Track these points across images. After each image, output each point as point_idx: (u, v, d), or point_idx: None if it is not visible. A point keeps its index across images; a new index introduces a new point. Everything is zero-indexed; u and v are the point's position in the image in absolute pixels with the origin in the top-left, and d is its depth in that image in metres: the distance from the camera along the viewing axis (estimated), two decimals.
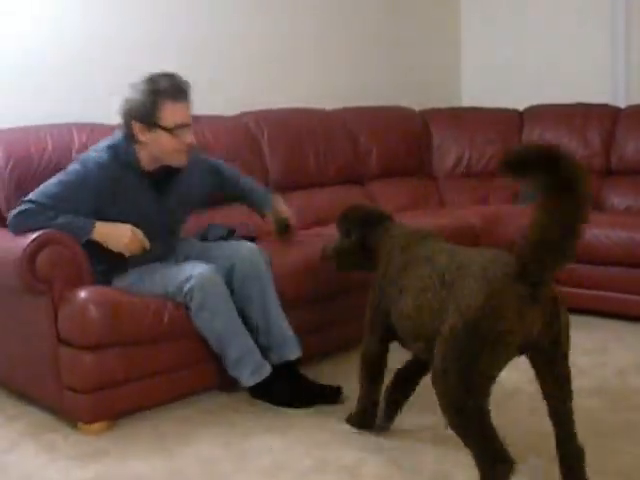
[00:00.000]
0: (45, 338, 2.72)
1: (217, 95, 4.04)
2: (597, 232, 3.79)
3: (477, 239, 3.96)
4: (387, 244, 2.51)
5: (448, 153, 4.74)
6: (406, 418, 2.69)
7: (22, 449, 2.60)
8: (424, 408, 2.76)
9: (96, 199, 2.74)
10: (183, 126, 2.75)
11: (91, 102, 3.52)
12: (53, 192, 2.70)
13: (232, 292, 2.86)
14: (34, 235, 2.66)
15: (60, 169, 2.97)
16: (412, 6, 5.09)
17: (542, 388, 2.17)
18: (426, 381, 2.96)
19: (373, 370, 2.57)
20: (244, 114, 4.02)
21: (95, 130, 3.29)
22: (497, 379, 2.03)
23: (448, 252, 2.24)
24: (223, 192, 3.23)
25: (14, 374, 2.98)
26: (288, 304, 2.98)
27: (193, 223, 3.23)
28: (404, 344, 2.44)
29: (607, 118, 4.49)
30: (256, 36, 4.27)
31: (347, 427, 2.62)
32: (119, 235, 2.73)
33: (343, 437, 2.58)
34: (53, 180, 2.75)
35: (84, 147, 3.11)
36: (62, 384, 2.70)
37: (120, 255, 2.79)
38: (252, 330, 2.88)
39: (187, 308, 2.77)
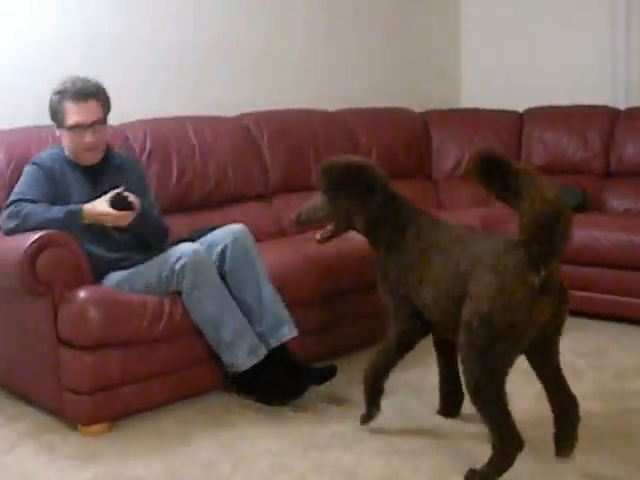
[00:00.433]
0: (45, 339, 2.73)
1: (217, 96, 4.05)
2: (596, 234, 3.80)
3: None
4: (408, 229, 2.47)
5: (448, 155, 4.74)
6: (403, 419, 2.70)
7: (22, 450, 2.60)
8: (423, 410, 2.77)
9: (52, 185, 2.87)
10: (80, 126, 2.86)
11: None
12: (21, 190, 2.85)
13: (223, 277, 2.88)
14: (35, 237, 2.67)
15: None
16: (413, 8, 5.09)
17: (531, 361, 2.33)
18: (427, 383, 2.98)
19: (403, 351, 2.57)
20: (244, 115, 4.03)
21: None
22: None
23: (463, 240, 2.32)
24: None
25: (14, 375, 2.99)
26: (289, 305, 2.97)
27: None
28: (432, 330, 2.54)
29: (607, 120, 4.49)
30: (257, 37, 4.27)
31: (346, 429, 2.63)
32: (105, 215, 2.80)
33: (341, 439, 2.59)
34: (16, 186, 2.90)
35: None
36: (62, 385, 2.71)
37: (107, 254, 2.87)
38: (246, 316, 2.88)
39: (180, 293, 2.77)
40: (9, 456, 2.56)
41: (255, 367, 2.82)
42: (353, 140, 4.40)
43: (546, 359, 2.31)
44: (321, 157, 4.18)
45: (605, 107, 4.57)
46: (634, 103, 4.59)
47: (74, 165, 2.95)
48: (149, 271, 2.82)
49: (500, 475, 2.20)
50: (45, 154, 2.98)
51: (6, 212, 2.80)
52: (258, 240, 3.26)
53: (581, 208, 4.27)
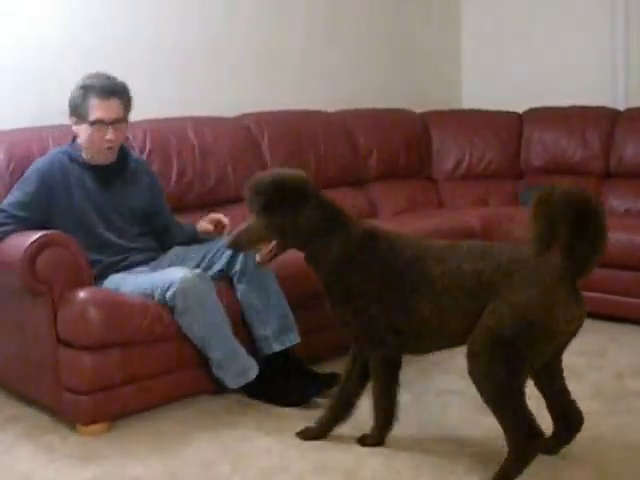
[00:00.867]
0: (44, 339, 2.73)
1: (217, 96, 4.05)
2: None
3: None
4: (363, 242, 2.38)
5: (448, 155, 4.74)
6: (405, 422, 2.69)
7: (21, 450, 2.60)
8: (424, 412, 2.77)
9: (46, 196, 2.86)
10: (103, 122, 2.87)
11: None
12: (13, 199, 2.86)
13: (232, 279, 2.91)
14: (35, 236, 2.67)
15: None
16: (413, 9, 5.09)
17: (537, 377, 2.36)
18: (427, 384, 2.97)
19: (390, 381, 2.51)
20: (245, 116, 4.03)
21: None
22: None
23: (472, 250, 2.29)
24: (153, 220, 3.16)
25: (13, 375, 2.99)
26: (289, 305, 2.97)
27: None
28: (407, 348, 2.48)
29: (606, 121, 4.49)
30: (257, 38, 4.28)
31: (345, 430, 2.62)
32: None
33: (341, 440, 2.58)
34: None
35: None
36: (61, 385, 2.70)
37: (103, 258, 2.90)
38: (252, 318, 2.90)
39: (172, 312, 2.78)
40: (8, 456, 2.56)
41: (259, 374, 2.83)
42: (353, 141, 4.41)
43: (553, 372, 2.34)
44: (321, 157, 4.20)
45: (605, 108, 4.57)
46: (634, 104, 4.59)
47: (85, 165, 2.94)
48: (142, 288, 2.80)
49: (520, 473, 2.21)
50: (48, 157, 2.96)
51: None
52: None
53: None
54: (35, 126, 3.26)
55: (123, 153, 3.02)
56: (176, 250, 3.09)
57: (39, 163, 2.94)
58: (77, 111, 2.89)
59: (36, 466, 2.48)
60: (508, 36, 5.12)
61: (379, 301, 2.35)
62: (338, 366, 3.03)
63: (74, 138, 2.98)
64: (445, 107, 5.01)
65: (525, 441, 2.19)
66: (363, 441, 2.55)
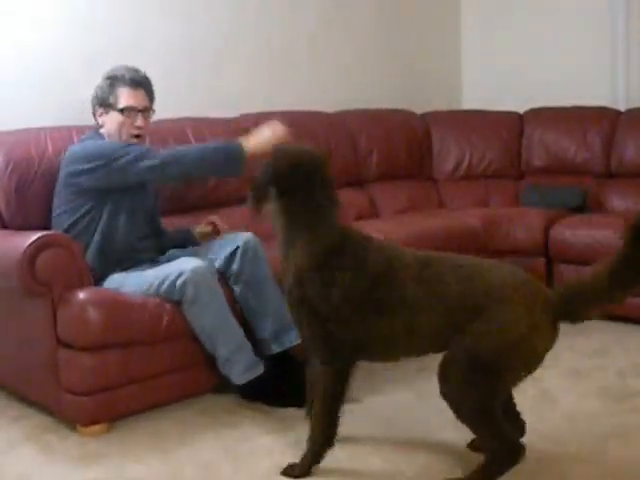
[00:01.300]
0: (44, 340, 2.72)
1: (217, 97, 4.05)
2: (597, 234, 3.80)
3: (477, 241, 3.97)
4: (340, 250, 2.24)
5: (448, 156, 4.74)
6: (407, 422, 2.69)
7: (21, 451, 2.59)
8: (426, 413, 2.76)
9: None
10: (134, 109, 2.96)
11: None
12: (131, 148, 2.88)
13: (229, 279, 2.89)
14: (34, 237, 2.66)
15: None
16: (413, 9, 5.09)
17: None
18: (428, 384, 2.96)
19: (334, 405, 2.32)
20: (244, 116, 4.02)
21: None
22: None
23: (454, 267, 2.19)
24: (154, 221, 3.19)
25: (13, 376, 2.98)
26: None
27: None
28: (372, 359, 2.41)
29: (607, 121, 4.48)
30: (256, 38, 4.27)
31: (346, 429, 2.60)
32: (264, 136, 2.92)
33: (342, 441, 2.56)
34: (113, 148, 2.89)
35: None
36: (61, 386, 2.69)
37: (109, 255, 2.90)
38: (251, 320, 2.89)
39: (179, 304, 2.76)
40: (8, 457, 2.56)
41: (259, 376, 2.82)
42: (354, 141, 4.40)
43: None
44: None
45: (605, 108, 4.56)
46: (634, 104, 4.59)
47: None
48: (149, 281, 2.80)
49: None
50: (86, 139, 3.01)
51: (149, 160, 2.81)
52: None
53: (581, 209, 4.28)
54: (34, 127, 3.25)
55: None
56: (172, 252, 3.09)
57: (89, 137, 2.99)
58: (106, 101, 2.97)
59: (36, 467, 2.48)
60: (509, 37, 5.12)
61: (339, 319, 2.22)
62: None
63: (94, 130, 3.04)
64: (446, 107, 5.00)
65: (504, 454, 2.15)
66: (290, 472, 2.35)
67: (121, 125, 2.96)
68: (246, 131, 3.93)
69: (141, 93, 2.99)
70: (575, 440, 2.52)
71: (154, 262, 3.02)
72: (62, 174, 2.95)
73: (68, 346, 2.67)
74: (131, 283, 2.83)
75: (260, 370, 2.82)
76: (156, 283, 2.78)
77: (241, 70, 4.23)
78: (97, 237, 2.90)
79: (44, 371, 2.75)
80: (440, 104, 5.02)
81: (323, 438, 2.33)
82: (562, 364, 3.23)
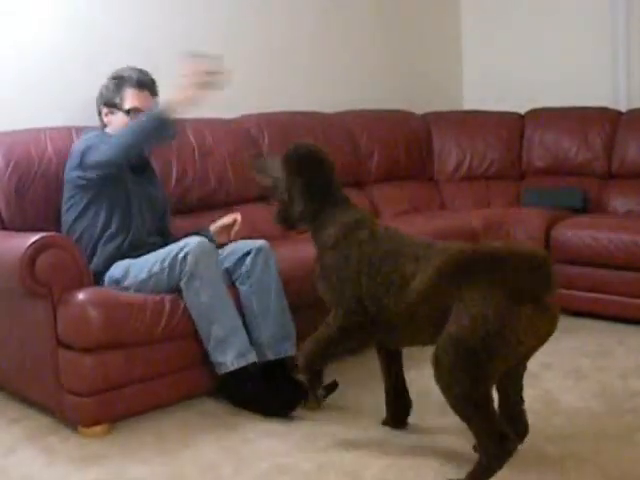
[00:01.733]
0: (44, 341, 2.71)
1: (218, 97, 4.03)
2: (599, 235, 3.80)
3: (478, 242, 3.95)
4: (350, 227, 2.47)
5: (449, 156, 4.74)
6: (409, 422, 2.68)
7: (22, 452, 2.59)
8: (427, 412, 2.75)
9: None
10: (140, 110, 2.97)
11: (92, 104, 3.50)
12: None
13: (236, 279, 2.92)
14: (34, 238, 2.66)
15: (60, 172, 3.04)
16: (414, 9, 5.09)
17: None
18: (428, 387, 2.96)
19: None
20: (245, 117, 4.02)
21: None
22: None
23: (437, 249, 2.29)
24: (162, 221, 3.21)
25: (14, 377, 2.97)
26: (290, 308, 2.96)
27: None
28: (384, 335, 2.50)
29: (608, 122, 4.48)
30: (256, 38, 4.27)
31: (347, 431, 2.61)
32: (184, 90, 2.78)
33: (343, 441, 2.57)
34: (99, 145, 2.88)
35: None
36: (62, 387, 2.69)
37: (117, 246, 2.93)
38: (250, 323, 2.88)
39: (179, 282, 2.75)
40: (9, 458, 2.55)
41: (248, 378, 2.79)
42: (354, 142, 4.40)
43: (513, 376, 2.31)
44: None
45: (606, 109, 4.57)
46: (635, 105, 4.59)
47: None
48: (153, 259, 2.82)
49: (489, 478, 2.18)
50: (92, 133, 3.00)
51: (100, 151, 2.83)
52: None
53: (582, 210, 4.28)
54: (34, 128, 3.25)
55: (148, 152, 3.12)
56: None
57: (93, 133, 2.98)
58: (111, 101, 3.01)
59: (37, 468, 2.47)
60: (509, 37, 5.12)
61: (354, 284, 2.40)
62: (337, 372, 3.03)
63: (102, 129, 3.06)
64: (446, 108, 5.00)
65: (495, 446, 2.15)
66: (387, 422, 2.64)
67: (125, 126, 2.93)
68: (247, 132, 3.96)
69: (146, 94, 3.02)
70: (576, 440, 2.52)
71: None
72: (65, 170, 3.00)
73: (68, 347, 2.67)
74: (137, 266, 2.85)
75: (253, 359, 2.79)
76: (160, 259, 2.80)
77: (241, 70, 4.21)
78: (104, 229, 2.92)
79: (45, 372, 2.74)
80: (441, 105, 5.02)
81: (393, 403, 2.64)
82: (563, 364, 3.23)
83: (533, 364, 3.10)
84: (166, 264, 2.78)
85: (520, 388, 2.35)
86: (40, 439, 2.67)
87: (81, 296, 2.65)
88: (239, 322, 2.82)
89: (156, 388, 2.79)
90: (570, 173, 4.52)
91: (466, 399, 2.14)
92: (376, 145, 4.47)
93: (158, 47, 3.85)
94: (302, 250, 3.24)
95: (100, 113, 3.06)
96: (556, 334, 3.60)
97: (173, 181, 3.56)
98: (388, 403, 2.66)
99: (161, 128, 2.79)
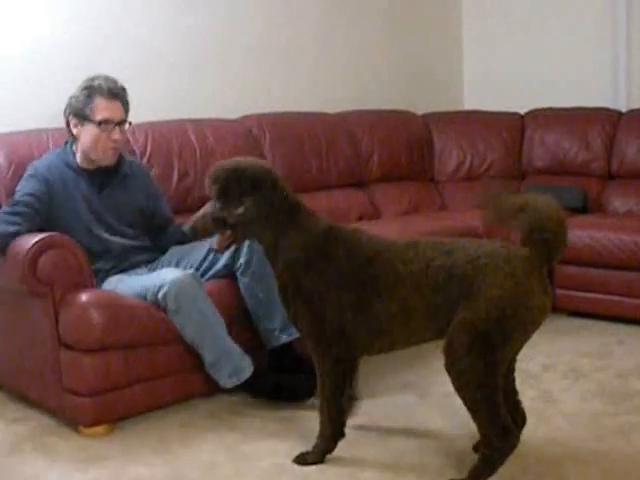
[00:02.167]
0: (46, 341, 2.72)
1: (219, 98, 4.05)
2: (599, 235, 3.80)
3: None
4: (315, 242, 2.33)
5: (450, 157, 4.74)
6: (408, 422, 2.69)
7: (23, 452, 2.59)
8: (427, 412, 2.76)
9: (50, 195, 2.87)
10: (110, 122, 2.90)
11: None
12: (15, 198, 2.85)
13: (236, 271, 2.91)
14: (36, 238, 2.67)
15: None
16: (414, 10, 5.09)
17: None
18: (431, 384, 2.97)
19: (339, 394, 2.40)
20: (246, 117, 4.03)
21: None
22: None
23: (436, 246, 2.28)
24: (151, 221, 3.17)
25: (15, 377, 2.98)
26: None
27: None
28: (365, 351, 2.44)
29: (608, 122, 4.48)
30: (258, 39, 4.27)
31: (348, 431, 2.61)
32: None
33: (344, 441, 2.56)
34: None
35: None
36: (63, 387, 2.70)
37: (104, 259, 2.92)
38: (258, 311, 2.90)
39: (165, 312, 2.77)
40: (10, 458, 2.55)
41: (264, 370, 2.84)
42: (355, 142, 4.40)
43: (506, 371, 2.30)
44: (323, 159, 4.20)
45: (607, 109, 4.57)
46: (635, 105, 4.59)
47: (79, 170, 2.96)
48: (136, 290, 2.81)
49: (493, 473, 2.19)
50: (45, 161, 2.97)
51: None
52: None
53: (582, 210, 4.28)
54: (35, 128, 3.26)
55: (118, 158, 3.03)
56: (174, 250, 3.09)
57: (37, 165, 2.95)
58: (81, 112, 2.90)
59: (38, 468, 2.48)
60: (509, 37, 5.12)
61: (335, 304, 2.30)
62: None
63: (66, 142, 3.02)
64: (447, 108, 5.00)
65: (499, 439, 2.16)
66: (303, 459, 2.43)
67: (97, 139, 2.90)
68: (248, 132, 3.97)
69: (117, 105, 2.92)
70: (576, 441, 2.52)
71: (152, 262, 3.04)
72: None
73: (70, 347, 2.67)
74: (125, 288, 2.84)
75: (248, 374, 2.81)
76: (142, 294, 2.79)
77: (243, 71, 4.23)
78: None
79: (46, 372, 2.75)
80: (442, 105, 5.02)
81: (332, 429, 2.42)
82: (562, 365, 3.24)
83: (533, 364, 3.15)
84: (148, 299, 2.77)
85: (513, 379, 2.36)
86: (41, 439, 2.68)
87: (83, 297, 2.66)
88: (228, 344, 2.81)
89: (157, 388, 2.79)
90: (570, 173, 4.52)
91: (478, 387, 2.15)
92: (377, 145, 4.47)
93: (158, 46, 3.86)
94: None
95: (68, 124, 2.95)
96: (556, 334, 3.63)
97: (174, 181, 3.57)
98: (335, 419, 2.44)
99: None
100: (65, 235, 2.77)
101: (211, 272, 2.95)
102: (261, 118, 4.05)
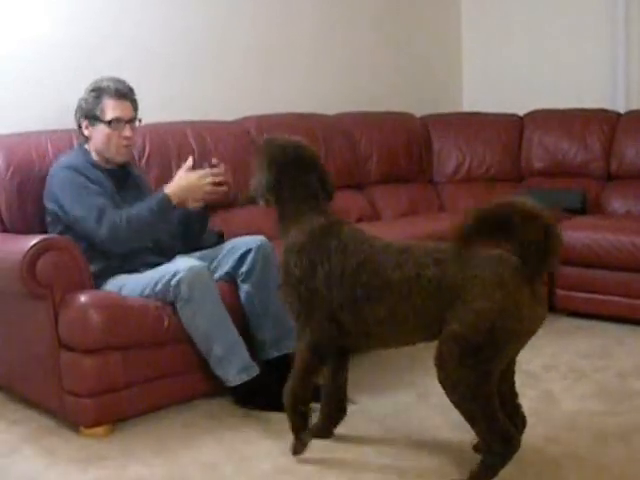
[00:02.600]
0: (46, 342, 2.72)
1: (218, 99, 4.05)
2: (598, 236, 3.81)
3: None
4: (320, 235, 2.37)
5: (448, 158, 4.75)
6: (408, 422, 2.69)
7: (23, 453, 2.60)
8: (427, 413, 2.76)
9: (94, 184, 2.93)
10: (121, 120, 2.97)
11: None
12: (87, 204, 2.86)
13: (238, 278, 2.92)
14: (35, 240, 2.67)
15: None
16: (413, 12, 5.10)
17: None
18: (431, 385, 2.97)
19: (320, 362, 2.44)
20: (245, 119, 4.03)
21: None
22: None
23: (428, 254, 2.25)
24: None
25: (15, 378, 2.98)
26: None
27: None
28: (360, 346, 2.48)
29: (607, 123, 4.49)
30: (256, 41, 4.28)
31: (348, 431, 2.61)
32: (193, 186, 2.91)
33: (344, 442, 2.57)
34: (71, 204, 2.88)
35: None
36: (63, 388, 2.70)
37: (111, 258, 2.90)
38: (253, 322, 2.90)
39: (174, 306, 2.76)
40: (10, 459, 2.56)
41: (255, 380, 2.81)
42: (354, 144, 4.41)
43: (505, 373, 2.29)
44: (322, 160, 4.18)
45: (605, 110, 4.58)
46: (634, 106, 4.61)
47: (99, 167, 3.00)
48: (146, 282, 2.82)
49: (494, 477, 2.18)
50: (71, 158, 2.99)
51: (105, 226, 2.81)
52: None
53: (581, 211, 4.29)
54: (34, 130, 3.26)
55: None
56: (181, 257, 3.09)
57: (67, 163, 2.96)
58: (91, 113, 2.96)
59: (39, 469, 2.48)
60: (509, 39, 5.14)
61: (324, 297, 2.33)
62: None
63: (79, 144, 3.05)
64: (446, 110, 5.01)
65: (500, 445, 2.15)
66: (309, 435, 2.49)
67: (109, 137, 2.95)
68: (247, 134, 3.97)
69: (126, 104, 2.99)
70: (576, 441, 2.52)
71: (159, 265, 3.03)
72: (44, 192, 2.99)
73: (70, 348, 2.67)
74: (130, 285, 2.85)
75: (255, 372, 2.81)
76: (152, 283, 2.79)
77: (241, 73, 4.23)
78: (88, 249, 2.87)
79: (46, 373, 2.75)
80: (440, 106, 5.03)
81: (295, 401, 2.44)
82: (563, 365, 3.24)
83: (533, 365, 3.15)
84: (158, 289, 2.78)
85: (513, 382, 2.35)
86: (41, 440, 2.68)
87: (82, 298, 2.66)
88: (237, 338, 2.82)
89: (157, 389, 2.79)
90: (569, 174, 4.53)
91: (472, 398, 2.14)
92: (375, 147, 4.48)
93: (157, 47, 3.86)
94: None
95: (80, 127, 3.01)
96: (556, 335, 3.63)
97: None
98: (322, 409, 2.57)
99: (166, 220, 2.90)
100: (64, 237, 2.78)
101: (214, 277, 2.95)
102: (260, 119, 4.06)
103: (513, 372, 2.35)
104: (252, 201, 2.56)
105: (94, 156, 3.01)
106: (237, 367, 2.79)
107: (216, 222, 3.49)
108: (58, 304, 2.68)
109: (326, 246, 2.35)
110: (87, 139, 3.01)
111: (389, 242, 2.38)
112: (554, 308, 3.89)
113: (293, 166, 2.43)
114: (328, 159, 4.23)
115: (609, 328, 3.74)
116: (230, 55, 4.18)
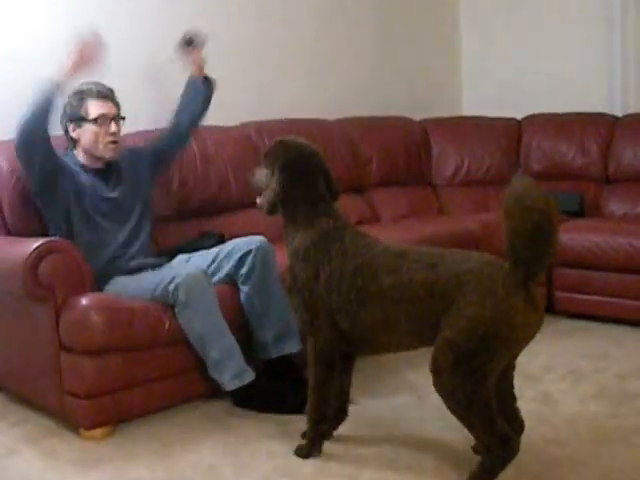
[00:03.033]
0: (47, 344, 2.73)
1: (217, 105, 4.06)
2: (596, 239, 3.82)
3: (477, 246, 3.97)
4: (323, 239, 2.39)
5: (447, 162, 4.76)
6: (408, 423, 2.69)
7: (23, 454, 2.60)
8: (426, 414, 2.77)
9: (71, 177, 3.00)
10: (106, 117, 3.05)
11: None
12: None
13: (238, 280, 2.93)
14: (37, 243, 2.68)
15: None
16: (412, 16, 5.12)
17: None
18: (427, 388, 2.97)
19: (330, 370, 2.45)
20: (245, 124, 4.04)
21: None
22: None
23: (423, 258, 2.25)
24: (172, 145, 3.38)
25: (16, 380, 2.99)
26: None
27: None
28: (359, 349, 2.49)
29: (604, 127, 4.51)
30: (255, 46, 4.29)
31: (347, 433, 2.62)
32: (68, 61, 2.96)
33: (343, 443, 2.58)
34: None
35: None
36: (63, 390, 2.71)
37: (110, 261, 2.95)
38: (253, 323, 2.91)
39: (173, 308, 2.78)
40: (10, 460, 2.56)
41: (251, 384, 2.82)
42: (353, 148, 4.42)
43: (504, 376, 2.29)
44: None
45: (603, 114, 4.59)
46: (631, 110, 4.62)
47: (86, 169, 3.06)
48: (146, 285, 2.84)
49: (493, 479, 2.18)
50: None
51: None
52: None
53: (579, 214, 4.30)
54: None
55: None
56: (181, 258, 3.13)
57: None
58: (77, 115, 3.04)
59: (38, 470, 2.48)
60: (507, 43, 5.15)
61: (325, 302, 2.36)
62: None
63: (66, 149, 3.10)
64: (444, 114, 5.02)
65: (498, 448, 2.15)
66: (300, 451, 2.51)
67: (97, 135, 3.02)
68: (247, 139, 3.98)
69: (109, 104, 3.07)
70: (575, 442, 2.53)
71: (158, 267, 3.05)
72: None
73: (70, 350, 2.68)
74: (131, 289, 2.87)
75: (250, 378, 2.82)
76: (151, 288, 2.82)
77: (242, 78, 4.24)
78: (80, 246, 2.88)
79: (47, 375, 2.76)
80: (439, 111, 5.04)
81: (317, 416, 2.46)
82: (562, 366, 3.24)
83: (532, 366, 3.16)
84: (157, 294, 2.80)
85: (511, 386, 2.34)
86: (41, 441, 2.68)
87: (83, 300, 2.67)
88: (233, 343, 2.82)
89: (157, 391, 2.80)
90: (567, 178, 4.54)
91: (469, 404, 2.13)
92: (375, 151, 4.50)
93: (157, 51, 3.86)
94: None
95: (67, 132, 3.08)
96: (555, 336, 3.64)
97: (175, 186, 3.58)
98: (317, 408, 2.51)
99: (52, 98, 2.89)
100: (65, 240, 2.79)
101: (214, 279, 2.96)
102: (260, 125, 4.07)
103: (512, 375, 2.35)
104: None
105: (82, 159, 3.07)
106: (231, 372, 2.80)
107: (215, 226, 3.52)
108: (59, 306, 2.69)
109: (328, 250, 2.37)
110: (75, 143, 3.07)
111: (387, 246, 2.39)
112: (553, 310, 3.91)
113: (305, 168, 2.46)
114: (328, 163, 4.17)
115: (608, 329, 3.75)
116: (230, 60, 4.19)
